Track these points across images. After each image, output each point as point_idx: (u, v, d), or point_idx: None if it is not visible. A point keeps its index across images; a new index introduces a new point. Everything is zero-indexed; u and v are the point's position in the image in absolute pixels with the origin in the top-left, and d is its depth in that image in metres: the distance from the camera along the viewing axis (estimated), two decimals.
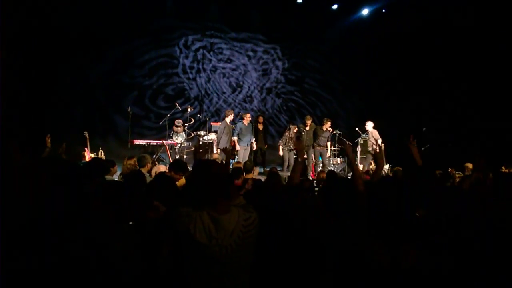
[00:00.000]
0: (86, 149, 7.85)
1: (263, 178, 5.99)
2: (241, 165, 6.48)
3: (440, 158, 8.43)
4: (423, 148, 9.21)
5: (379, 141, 9.32)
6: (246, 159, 8.65)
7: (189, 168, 5.82)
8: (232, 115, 9.11)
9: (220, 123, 9.29)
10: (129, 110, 9.52)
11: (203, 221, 1.99)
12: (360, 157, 9.96)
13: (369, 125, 9.57)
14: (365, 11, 12.54)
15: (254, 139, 9.57)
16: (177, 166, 5.14)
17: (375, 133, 9.46)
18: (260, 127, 10.01)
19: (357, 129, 10.24)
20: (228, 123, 8.93)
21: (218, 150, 8.83)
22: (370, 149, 9.44)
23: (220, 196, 2.06)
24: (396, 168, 7.10)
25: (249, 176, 5.77)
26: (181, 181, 5.12)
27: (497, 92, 9.87)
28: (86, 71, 10.19)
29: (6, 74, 7.01)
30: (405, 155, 3.30)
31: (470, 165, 7.06)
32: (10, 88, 7.36)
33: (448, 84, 10.76)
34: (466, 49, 10.30)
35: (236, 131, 9.14)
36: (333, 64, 12.68)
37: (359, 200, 2.44)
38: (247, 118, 9.26)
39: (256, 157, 10.15)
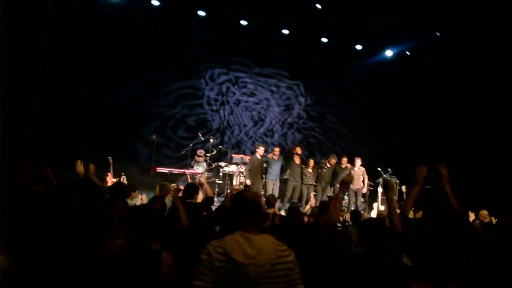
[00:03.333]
0: (108, 174, 7.93)
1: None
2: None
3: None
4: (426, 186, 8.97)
5: (366, 180, 9.64)
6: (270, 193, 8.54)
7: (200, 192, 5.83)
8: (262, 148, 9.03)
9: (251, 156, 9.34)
10: (154, 138, 9.64)
11: (237, 241, 2.07)
12: (382, 199, 9.75)
13: (358, 162, 9.61)
14: (388, 53, 12.70)
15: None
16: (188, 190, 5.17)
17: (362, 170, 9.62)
18: (298, 160, 9.42)
19: (379, 168, 10.12)
20: (258, 157, 8.91)
21: (238, 182, 8.80)
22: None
23: (252, 221, 2.15)
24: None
25: (271, 211, 5.68)
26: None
27: None
28: (112, 96, 10.42)
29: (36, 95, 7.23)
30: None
31: (485, 212, 6.82)
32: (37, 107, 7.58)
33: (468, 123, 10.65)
34: (488, 89, 10.26)
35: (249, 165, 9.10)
36: (354, 102, 12.74)
37: (397, 239, 2.40)
38: (260, 150, 9.18)
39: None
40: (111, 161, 8.21)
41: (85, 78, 9.65)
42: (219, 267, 2.02)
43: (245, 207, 2.19)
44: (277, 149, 9.25)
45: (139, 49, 10.51)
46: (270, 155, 9.17)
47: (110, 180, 7.78)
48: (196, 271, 2.07)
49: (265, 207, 5.59)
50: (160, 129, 11.09)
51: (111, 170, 8.11)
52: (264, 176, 9.05)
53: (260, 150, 8.91)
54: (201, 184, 5.48)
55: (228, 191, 8.60)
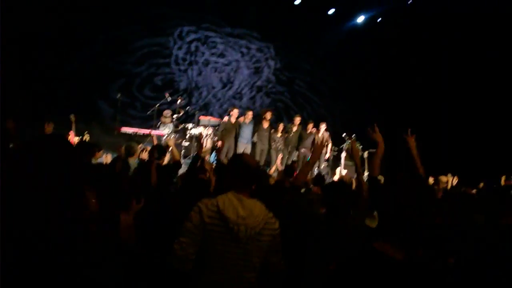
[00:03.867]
0: (71, 132, 7.68)
1: None
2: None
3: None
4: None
5: (329, 145, 9.88)
6: None
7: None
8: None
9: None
10: (118, 96, 9.34)
11: (230, 201, 2.13)
12: (345, 164, 10.02)
13: (322, 127, 9.83)
14: (360, 19, 12.67)
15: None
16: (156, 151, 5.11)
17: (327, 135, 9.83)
18: (266, 125, 9.47)
19: (343, 134, 10.33)
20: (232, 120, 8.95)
21: (206, 143, 8.77)
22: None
23: (246, 183, 2.20)
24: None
25: None
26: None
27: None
28: (75, 52, 9.92)
29: None
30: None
31: (444, 178, 7.18)
32: None
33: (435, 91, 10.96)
34: (456, 59, 10.52)
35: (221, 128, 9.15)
36: (325, 68, 12.75)
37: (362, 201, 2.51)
38: (234, 113, 9.21)
39: None
40: (73, 119, 7.91)
41: (47, 34, 9.07)
42: (209, 223, 2.07)
43: (242, 169, 2.22)
44: (250, 113, 9.32)
45: (104, 4, 9.93)
46: (242, 119, 9.21)
47: (72, 139, 7.54)
48: (182, 227, 2.10)
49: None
50: (126, 87, 10.74)
51: (74, 129, 7.84)
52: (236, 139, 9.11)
53: (234, 113, 8.96)
54: (168, 147, 5.41)
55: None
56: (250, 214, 2.09)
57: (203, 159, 5.26)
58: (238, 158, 2.37)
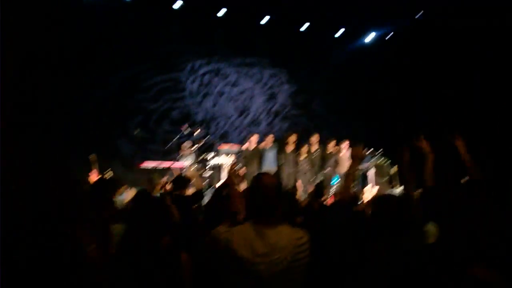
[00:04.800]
0: (93, 171, 7.63)
1: None
2: None
3: None
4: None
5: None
6: None
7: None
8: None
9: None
10: (136, 132, 9.34)
11: (246, 235, 1.77)
12: (375, 180, 9.67)
13: (345, 146, 9.55)
14: (368, 38, 12.71)
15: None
16: (179, 182, 4.97)
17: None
18: (289, 148, 9.26)
19: (368, 151, 10.04)
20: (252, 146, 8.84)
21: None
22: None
23: (266, 208, 1.86)
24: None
25: None
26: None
27: None
28: (91, 94, 10.04)
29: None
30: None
31: None
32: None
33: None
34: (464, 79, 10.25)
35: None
36: (337, 88, 12.66)
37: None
38: (254, 139, 9.09)
39: None
40: (94, 159, 7.88)
41: (61, 77, 9.22)
42: (222, 255, 1.77)
43: (259, 190, 1.89)
44: (270, 137, 9.19)
45: (115, 44, 10.13)
46: (263, 144, 9.08)
47: (95, 178, 7.46)
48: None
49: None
50: (143, 124, 10.77)
51: (96, 168, 7.79)
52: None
53: (253, 139, 8.86)
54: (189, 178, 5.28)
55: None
56: (274, 249, 1.72)
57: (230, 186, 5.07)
58: (255, 178, 1.99)
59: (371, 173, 9.79)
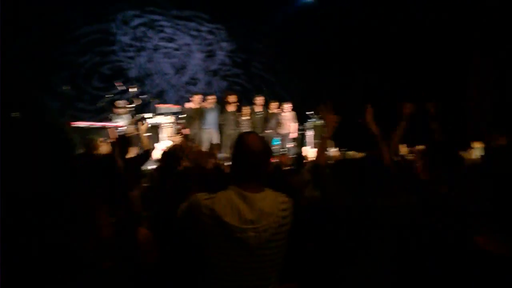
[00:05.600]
0: None
1: None
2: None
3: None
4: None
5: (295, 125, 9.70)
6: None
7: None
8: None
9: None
10: (65, 89, 8.50)
11: (231, 201, 1.63)
12: (314, 142, 9.87)
13: (287, 107, 9.67)
14: None
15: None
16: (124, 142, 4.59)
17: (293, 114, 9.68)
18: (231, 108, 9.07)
19: (307, 113, 10.18)
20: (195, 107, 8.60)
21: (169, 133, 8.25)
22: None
23: (253, 171, 1.71)
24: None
25: (213, 160, 5.33)
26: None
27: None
28: (10, 43, 8.85)
29: None
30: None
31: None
32: None
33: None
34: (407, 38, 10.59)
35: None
36: (279, 47, 12.46)
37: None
38: (196, 99, 8.81)
39: None
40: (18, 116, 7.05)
41: None
42: (206, 223, 1.62)
43: (246, 155, 1.71)
44: (212, 97, 8.90)
45: None
46: (204, 104, 8.80)
47: None
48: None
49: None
50: (71, 79, 9.82)
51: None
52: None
53: (196, 99, 8.54)
54: (139, 134, 4.86)
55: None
56: (260, 215, 1.63)
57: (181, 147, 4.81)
58: (240, 139, 1.81)
59: (310, 134, 9.99)
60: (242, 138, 1.79)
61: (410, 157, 6.17)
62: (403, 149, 7.41)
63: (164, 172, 3.57)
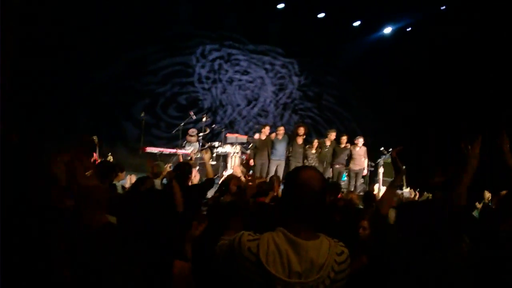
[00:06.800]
0: (94, 154, 7.34)
1: None
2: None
3: None
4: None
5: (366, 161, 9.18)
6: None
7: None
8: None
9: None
10: (142, 115, 9.05)
11: (278, 247, 1.39)
12: (383, 180, 9.31)
13: (360, 142, 9.12)
14: (387, 30, 12.18)
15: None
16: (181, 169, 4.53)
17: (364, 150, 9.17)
18: (300, 140, 8.87)
19: (382, 148, 9.69)
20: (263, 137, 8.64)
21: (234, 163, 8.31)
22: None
23: (307, 213, 1.47)
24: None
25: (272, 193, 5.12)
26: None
27: None
28: (98, 74, 9.72)
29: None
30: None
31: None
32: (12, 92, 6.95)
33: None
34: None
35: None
36: (352, 81, 12.21)
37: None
38: (266, 130, 8.82)
39: None
40: (96, 141, 7.59)
41: (69, 56, 8.91)
42: (247, 269, 1.40)
43: (301, 193, 1.47)
44: (281, 128, 8.87)
45: (125, 24, 9.76)
46: (273, 135, 8.78)
47: (96, 161, 7.18)
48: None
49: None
50: (150, 108, 10.47)
51: (97, 151, 7.51)
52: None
53: (266, 130, 8.56)
54: (203, 162, 4.86)
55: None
56: (311, 268, 1.39)
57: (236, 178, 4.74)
58: (294, 173, 1.55)
59: (381, 171, 9.43)
60: (296, 172, 1.55)
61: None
62: (487, 195, 6.67)
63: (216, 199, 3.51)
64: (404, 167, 2.74)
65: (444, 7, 10.31)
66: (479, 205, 6.61)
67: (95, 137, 7.67)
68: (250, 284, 1.39)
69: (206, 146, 9.28)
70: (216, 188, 4.93)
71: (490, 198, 6.58)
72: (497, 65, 9.62)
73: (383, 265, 2.11)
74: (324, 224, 1.88)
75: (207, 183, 4.62)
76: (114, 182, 4.81)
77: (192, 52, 11.34)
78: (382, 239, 2.01)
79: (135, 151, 8.99)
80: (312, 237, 1.45)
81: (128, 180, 5.72)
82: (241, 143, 9.45)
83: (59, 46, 8.69)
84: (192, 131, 9.11)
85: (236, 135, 10.00)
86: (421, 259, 1.80)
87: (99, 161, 6.89)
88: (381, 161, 9.80)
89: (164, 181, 4.97)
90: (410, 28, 11.75)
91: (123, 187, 5.30)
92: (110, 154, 7.56)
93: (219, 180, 8.28)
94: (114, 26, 9.57)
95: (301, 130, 8.74)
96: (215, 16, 11.09)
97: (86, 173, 2.85)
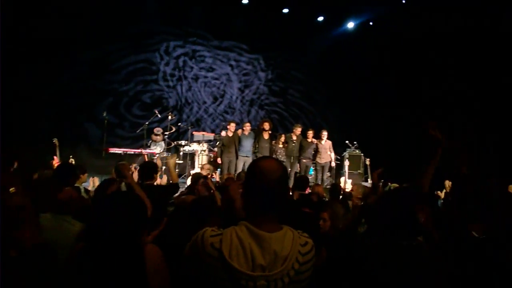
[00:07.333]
0: (54, 157, 7.09)
1: None
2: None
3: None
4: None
5: (332, 154, 9.17)
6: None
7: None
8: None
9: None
10: (104, 115, 8.80)
11: (241, 240, 1.36)
12: (348, 172, 9.49)
13: (325, 135, 9.21)
14: (350, 24, 12.37)
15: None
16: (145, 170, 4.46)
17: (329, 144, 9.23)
18: (266, 135, 8.90)
19: (347, 142, 9.88)
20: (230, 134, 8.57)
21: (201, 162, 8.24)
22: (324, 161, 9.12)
23: (268, 204, 1.43)
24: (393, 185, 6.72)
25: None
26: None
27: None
28: (58, 73, 9.37)
29: None
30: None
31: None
32: None
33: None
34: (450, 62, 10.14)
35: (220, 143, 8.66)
36: (316, 76, 12.35)
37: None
38: (231, 127, 8.77)
39: None
40: (57, 143, 7.34)
41: (28, 55, 8.51)
42: (210, 265, 1.37)
43: (257, 184, 1.43)
44: (247, 125, 8.86)
45: (86, 22, 9.45)
46: (240, 131, 8.75)
47: (56, 164, 6.94)
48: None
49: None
50: (113, 107, 10.20)
51: (58, 154, 7.25)
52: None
53: (232, 127, 8.49)
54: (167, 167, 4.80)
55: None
56: (275, 260, 1.35)
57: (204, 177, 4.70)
58: (254, 165, 1.50)
59: (347, 164, 9.63)
60: (255, 163, 1.51)
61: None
62: (447, 184, 6.93)
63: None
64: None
65: (405, 1, 10.52)
66: (441, 194, 6.88)
67: (55, 140, 7.43)
68: (215, 280, 1.36)
69: (172, 145, 9.16)
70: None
71: (451, 186, 6.82)
72: (458, 57, 9.95)
73: (343, 258, 2.13)
74: (293, 218, 1.88)
75: (172, 187, 4.56)
76: (76, 185, 4.66)
77: (156, 49, 11.13)
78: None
79: (98, 152, 8.73)
80: (275, 229, 1.42)
81: (91, 182, 5.57)
82: (208, 141, 9.39)
83: (18, 46, 8.31)
84: (157, 130, 8.96)
85: (203, 133, 9.93)
86: (388, 248, 1.82)
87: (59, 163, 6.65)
88: (346, 154, 10.00)
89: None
90: (372, 23, 11.93)
91: (86, 189, 5.15)
92: (71, 156, 7.31)
93: (186, 179, 8.25)
94: (75, 24, 9.25)
95: (266, 125, 8.77)
96: (179, 11, 10.92)
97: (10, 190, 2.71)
